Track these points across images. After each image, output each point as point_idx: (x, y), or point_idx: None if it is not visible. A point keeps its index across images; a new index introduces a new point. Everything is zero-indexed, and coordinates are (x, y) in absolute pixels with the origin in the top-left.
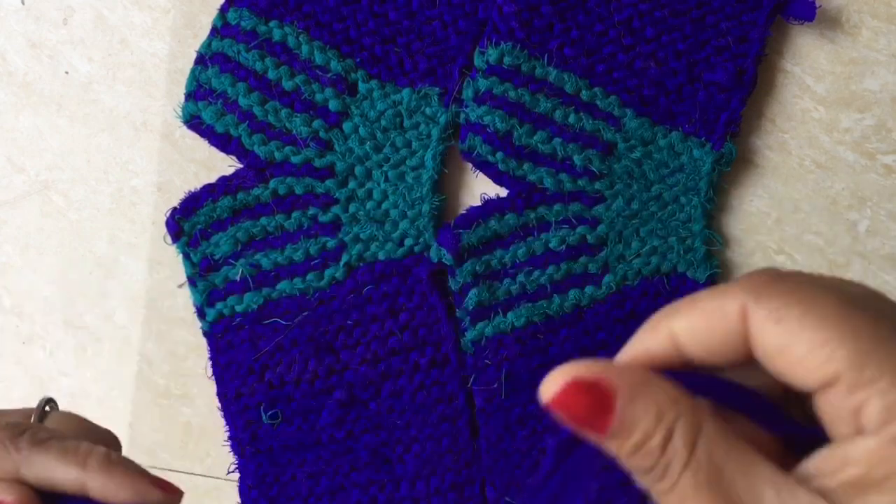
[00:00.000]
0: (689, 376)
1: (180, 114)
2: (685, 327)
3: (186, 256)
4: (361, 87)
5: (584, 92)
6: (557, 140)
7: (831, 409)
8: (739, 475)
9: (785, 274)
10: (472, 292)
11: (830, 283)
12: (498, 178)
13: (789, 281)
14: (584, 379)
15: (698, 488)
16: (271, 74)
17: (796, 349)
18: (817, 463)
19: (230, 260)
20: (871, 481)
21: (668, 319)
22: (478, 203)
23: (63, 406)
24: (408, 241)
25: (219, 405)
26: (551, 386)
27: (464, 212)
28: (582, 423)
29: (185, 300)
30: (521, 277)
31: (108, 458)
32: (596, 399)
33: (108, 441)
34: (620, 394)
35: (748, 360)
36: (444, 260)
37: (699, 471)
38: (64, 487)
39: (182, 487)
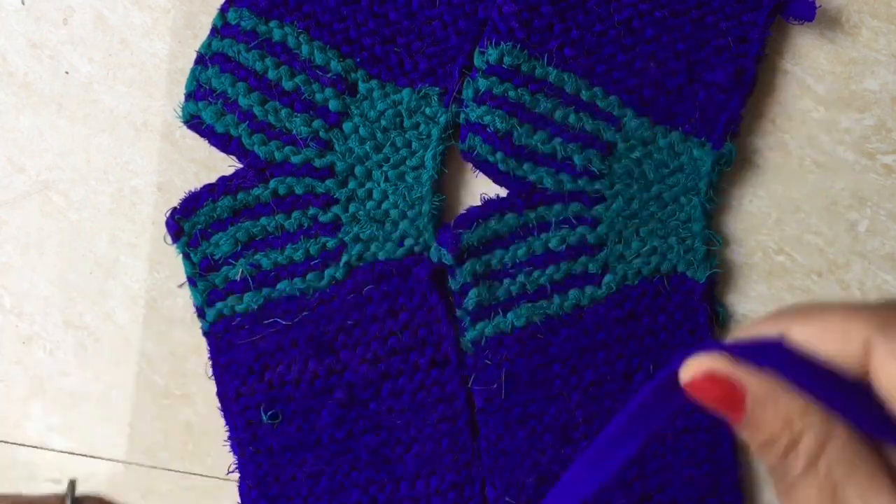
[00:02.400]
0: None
1: (180, 114)
2: (804, 334)
3: (186, 256)
4: (361, 87)
5: (584, 92)
6: (557, 140)
7: None
8: (855, 497)
9: None
10: (472, 292)
11: None
12: (498, 178)
13: None
14: (720, 374)
15: (809, 499)
16: (271, 74)
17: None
18: None
19: (230, 260)
20: None
21: (788, 321)
22: (478, 203)
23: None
24: (408, 241)
25: (219, 405)
26: (690, 370)
27: (464, 212)
28: (717, 409)
29: (185, 300)
30: (521, 277)
31: None
32: (729, 394)
33: None
34: (751, 395)
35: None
36: (444, 260)
37: (815, 482)
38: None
39: (182, 487)
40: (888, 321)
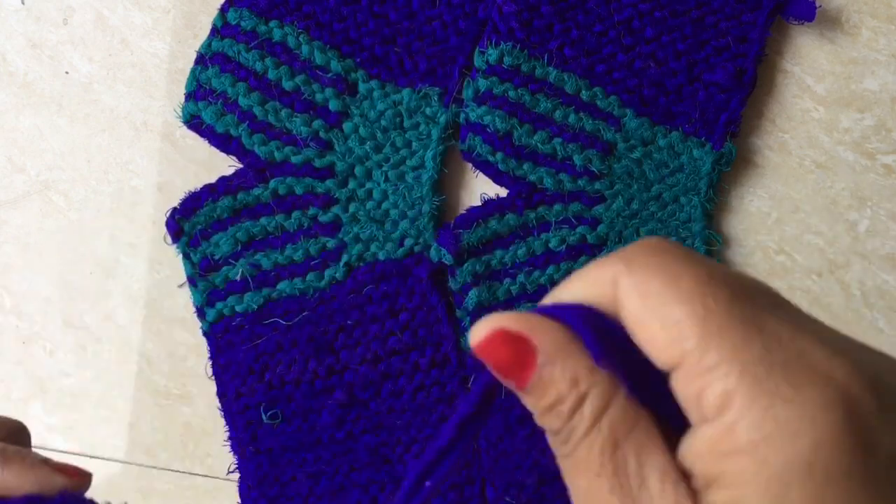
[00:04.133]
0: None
1: (180, 114)
2: (576, 298)
3: (186, 256)
4: (361, 87)
5: (584, 92)
6: (557, 140)
7: (680, 392)
8: (633, 456)
9: (666, 247)
10: (472, 292)
11: (705, 261)
12: (498, 178)
13: (666, 254)
14: (510, 331)
15: (591, 459)
16: (271, 74)
17: (651, 325)
18: (681, 451)
19: (230, 260)
20: (711, 477)
21: (559, 291)
22: (478, 203)
23: (63, 406)
24: (408, 241)
25: (219, 405)
26: (479, 332)
27: (464, 212)
28: (504, 373)
29: (185, 300)
30: (521, 277)
31: (1, 453)
32: (518, 352)
33: (13, 431)
34: (541, 351)
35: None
36: (444, 260)
37: (596, 442)
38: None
39: (182, 487)
40: (632, 257)
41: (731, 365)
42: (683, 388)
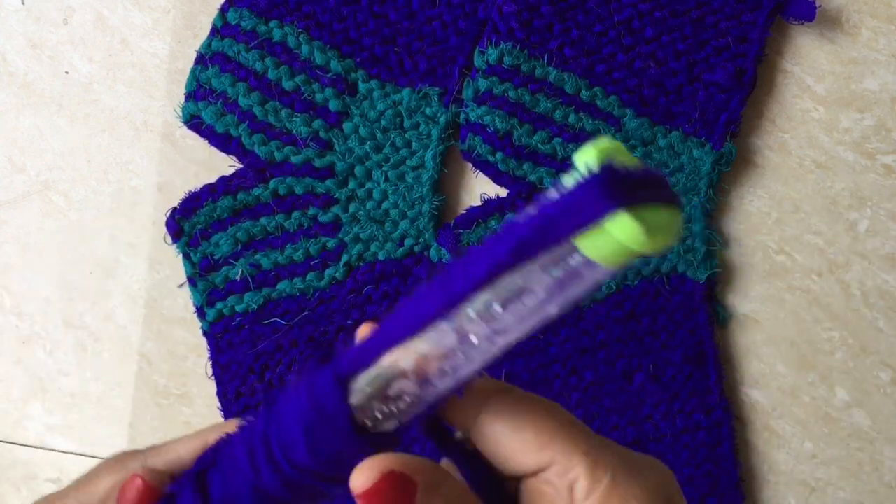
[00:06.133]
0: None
1: (180, 114)
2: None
3: (186, 256)
4: (361, 87)
5: (584, 92)
6: (557, 140)
7: (549, 487)
8: None
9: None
10: None
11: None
12: (498, 178)
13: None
14: (395, 471)
15: None
16: (271, 74)
17: (513, 442)
18: None
19: (230, 260)
20: None
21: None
22: (478, 203)
23: (63, 406)
24: (408, 241)
25: (219, 405)
26: (363, 477)
27: (464, 212)
28: None
29: (185, 300)
30: None
31: (217, 426)
32: (401, 491)
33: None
34: (420, 488)
35: None
36: (444, 260)
37: None
38: (189, 458)
39: None
40: (494, 395)
41: (586, 460)
42: (556, 482)
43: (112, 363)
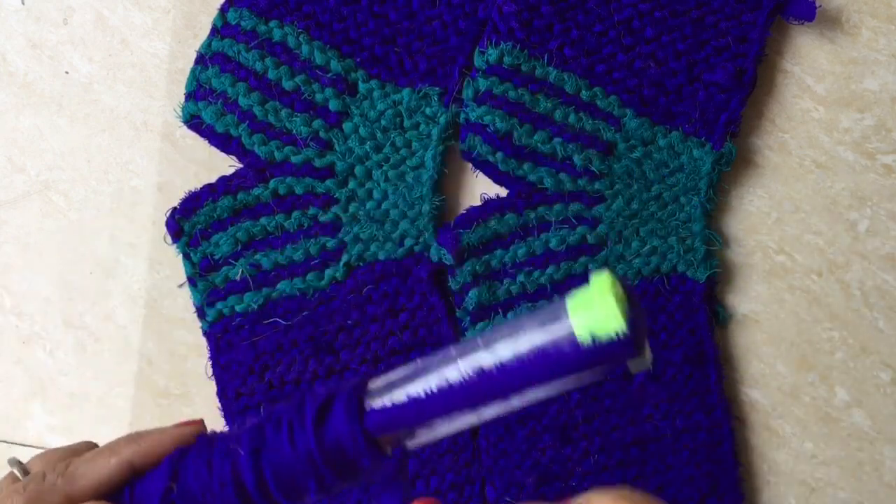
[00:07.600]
0: None
1: (180, 114)
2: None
3: (186, 256)
4: (361, 87)
5: (584, 92)
6: (557, 140)
7: None
8: None
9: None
10: (472, 292)
11: None
12: (498, 178)
13: None
14: None
15: None
16: (271, 74)
17: None
18: None
19: (230, 260)
20: None
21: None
22: (478, 203)
23: (63, 406)
24: (408, 241)
25: (219, 405)
26: None
27: (464, 212)
28: None
29: (185, 300)
30: (521, 277)
31: (130, 436)
32: None
33: (90, 447)
34: None
35: None
36: (444, 260)
37: None
38: (112, 480)
39: None
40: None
41: None
42: None
43: (112, 363)
